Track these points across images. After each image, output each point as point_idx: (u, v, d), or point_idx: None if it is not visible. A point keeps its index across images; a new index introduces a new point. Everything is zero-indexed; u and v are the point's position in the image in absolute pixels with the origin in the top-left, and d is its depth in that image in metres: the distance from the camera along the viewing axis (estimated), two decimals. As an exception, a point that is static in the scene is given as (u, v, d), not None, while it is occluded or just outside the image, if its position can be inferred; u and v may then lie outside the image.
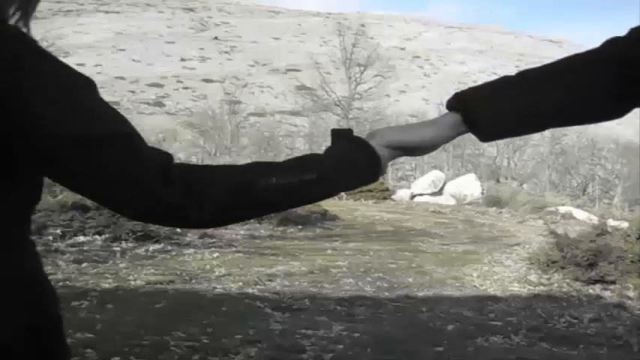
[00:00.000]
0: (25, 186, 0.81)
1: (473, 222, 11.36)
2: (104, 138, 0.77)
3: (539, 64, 1.04)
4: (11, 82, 0.70)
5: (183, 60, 72.17)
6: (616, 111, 0.97)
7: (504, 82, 1.01)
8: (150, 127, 42.11)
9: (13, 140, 0.72)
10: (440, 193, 18.16)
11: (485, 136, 0.97)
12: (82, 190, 0.82)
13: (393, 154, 0.92)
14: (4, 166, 0.75)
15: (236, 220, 0.86)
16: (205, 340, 3.16)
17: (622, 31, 0.97)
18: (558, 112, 0.96)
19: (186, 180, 0.78)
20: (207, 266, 5.50)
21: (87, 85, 0.81)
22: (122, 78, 62.77)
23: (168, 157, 0.83)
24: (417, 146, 0.93)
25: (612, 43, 1.00)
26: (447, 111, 0.94)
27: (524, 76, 0.99)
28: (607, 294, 5.09)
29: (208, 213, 0.78)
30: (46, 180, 0.86)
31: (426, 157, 48.93)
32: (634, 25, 0.97)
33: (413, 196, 18.12)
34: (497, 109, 0.94)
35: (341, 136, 0.88)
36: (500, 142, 38.40)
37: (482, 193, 17.52)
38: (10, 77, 0.70)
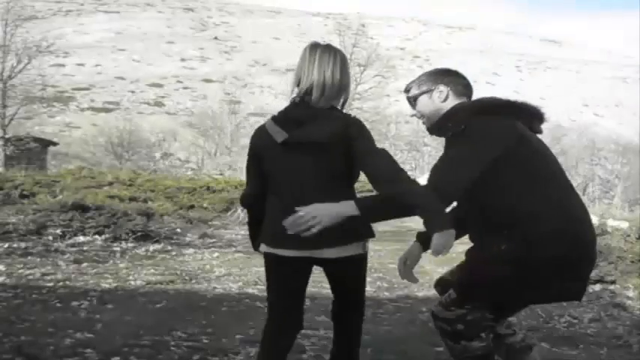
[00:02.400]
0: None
1: (473, 222, 11.36)
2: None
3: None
4: (350, 131, 2.04)
5: (183, 60, 72.17)
6: None
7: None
8: (150, 127, 42.14)
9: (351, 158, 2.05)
10: (440, 193, 18.12)
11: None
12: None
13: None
14: (350, 170, 2.10)
15: None
16: (205, 340, 3.16)
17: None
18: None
19: None
20: (207, 266, 5.50)
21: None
22: (122, 78, 62.75)
23: None
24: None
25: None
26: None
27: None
28: (607, 294, 5.09)
29: None
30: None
31: (426, 156, 48.94)
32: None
33: (413, 196, 18.08)
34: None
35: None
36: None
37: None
38: (349, 129, 2.04)
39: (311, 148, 2.07)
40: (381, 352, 3.12)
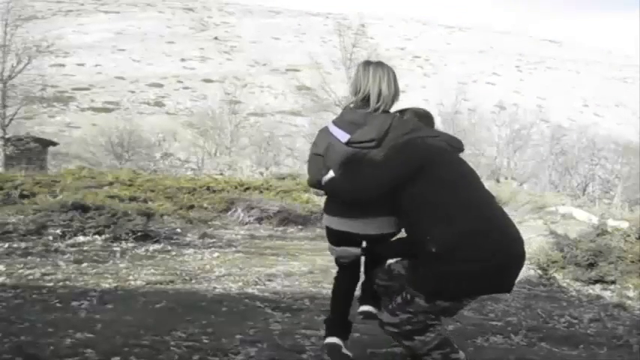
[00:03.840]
0: None
1: (473, 222, 11.35)
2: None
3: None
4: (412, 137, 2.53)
5: (183, 60, 72.11)
6: None
7: None
8: (150, 127, 42.08)
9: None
10: (440, 193, 18.09)
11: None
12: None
13: None
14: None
15: None
16: (205, 340, 3.16)
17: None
18: None
19: None
20: (207, 266, 5.50)
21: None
22: (122, 78, 62.72)
23: None
24: None
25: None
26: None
27: None
28: (607, 294, 5.09)
29: None
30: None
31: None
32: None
33: (413, 196, 18.06)
34: None
35: None
36: (501, 142, 38.40)
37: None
38: (409, 136, 2.52)
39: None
40: (380, 352, 3.12)
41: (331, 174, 2.66)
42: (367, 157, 2.55)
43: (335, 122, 2.68)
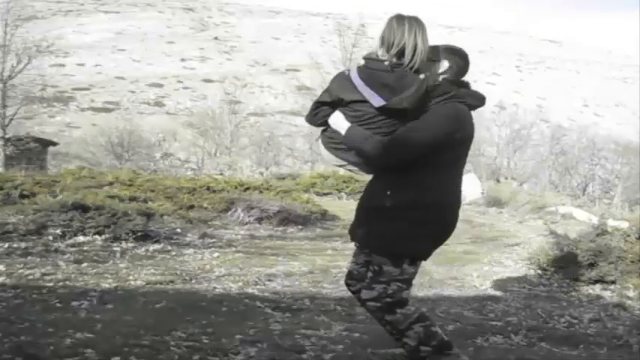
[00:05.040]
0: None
1: (473, 222, 11.35)
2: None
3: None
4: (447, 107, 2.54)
5: (183, 60, 72.10)
6: None
7: None
8: (150, 127, 42.06)
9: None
10: (440, 193, 18.07)
11: None
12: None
13: None
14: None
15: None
16: (205, 340, 3.16)
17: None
18: None
19: None
20: (207, 266, 5.50)
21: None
22: (122, 78, 62.71)
23: None
24: None
25: None
26: None
27: None
28: (607, 294, 5.09)
29: None
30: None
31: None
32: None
33: (413, 196, 18.04)
34: None
35: None
36: (501, 141, 38.39)
37: (483, 193, 17.50)
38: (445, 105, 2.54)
39: None
40: (381, 353, 3.12)
41: (338, 118, 2.59)
42: (401, 123, 2.51)
43: (363, 79, 2.52)
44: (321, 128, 2.76)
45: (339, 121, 2.58)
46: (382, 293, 2.58)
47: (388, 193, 2.53)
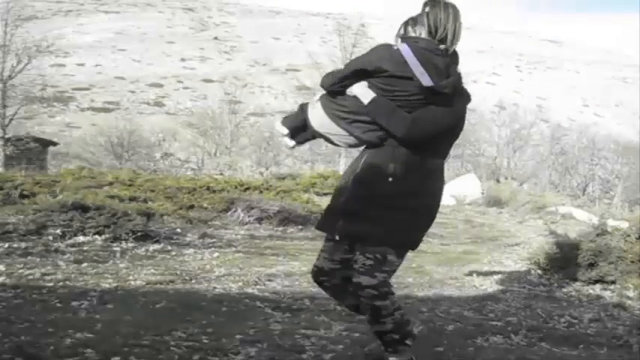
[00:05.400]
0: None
1: (473, 222, 11.35)
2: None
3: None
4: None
5: (183, 60, 72.11)
6: None
7: None
8: (150, 127, 42.07)
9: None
10: (440, 193, 18.08)
11: None
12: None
13: None
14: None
15: None
16: (205, 340, 3.16)
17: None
18: None
19: None
20: (207, 266, 5.49)
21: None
22: (122, 78, 62.73)
23: None
24: None
25: None
26: None
27: None
28: (607, 294, 5.08)
29: None
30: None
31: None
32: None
33: (413, 196, 18.02)
34: None
35: None
36: (501, 141, 38.40)
37: (482, 193, 17.49)
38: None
39: None
40: (381, 353, 3.12)
41: (364, 87, 2.60)
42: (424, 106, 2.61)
43: (417, 56, 2.56)
44: (320, 93, 2.74)
45: (363, 90, 2.60)
46: (382, 282, 2.64)
47: (390, 180, 2.59)
